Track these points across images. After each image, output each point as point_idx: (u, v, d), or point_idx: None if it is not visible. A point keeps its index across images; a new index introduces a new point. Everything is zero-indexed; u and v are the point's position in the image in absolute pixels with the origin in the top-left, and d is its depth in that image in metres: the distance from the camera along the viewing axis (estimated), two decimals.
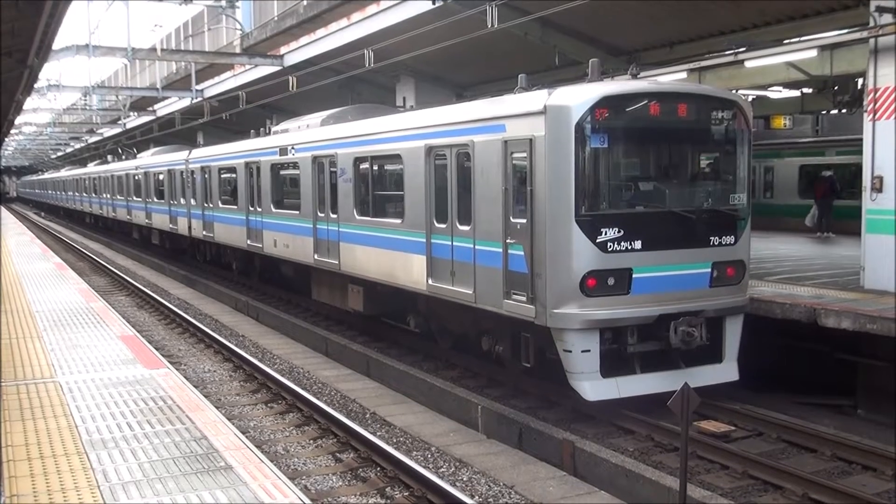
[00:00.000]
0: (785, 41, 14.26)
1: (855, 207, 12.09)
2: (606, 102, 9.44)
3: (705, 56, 15.11)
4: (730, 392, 10.53)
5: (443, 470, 8.79)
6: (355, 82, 21.81)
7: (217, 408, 8.42)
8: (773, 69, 15.89)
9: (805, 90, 20.06)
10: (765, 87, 19.56)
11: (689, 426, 6.95)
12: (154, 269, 29.03)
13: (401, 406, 11.40)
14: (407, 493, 8.02)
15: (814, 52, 14.31)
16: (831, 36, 13.86)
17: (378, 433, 9.91)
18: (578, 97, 9.42)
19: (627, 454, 8.92)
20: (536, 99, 9.78)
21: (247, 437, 8.06)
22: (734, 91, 14.40)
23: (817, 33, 14.13)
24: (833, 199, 20.90)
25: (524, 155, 9.76)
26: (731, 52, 13.55)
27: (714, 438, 9.27)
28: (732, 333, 10.33)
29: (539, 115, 9.55)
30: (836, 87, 18.28)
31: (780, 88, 20.12)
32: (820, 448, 9.04)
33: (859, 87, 17.68)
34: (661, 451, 9.19)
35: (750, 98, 21.00)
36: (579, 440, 9.07)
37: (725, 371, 10.29)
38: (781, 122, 20.87)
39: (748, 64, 15.17)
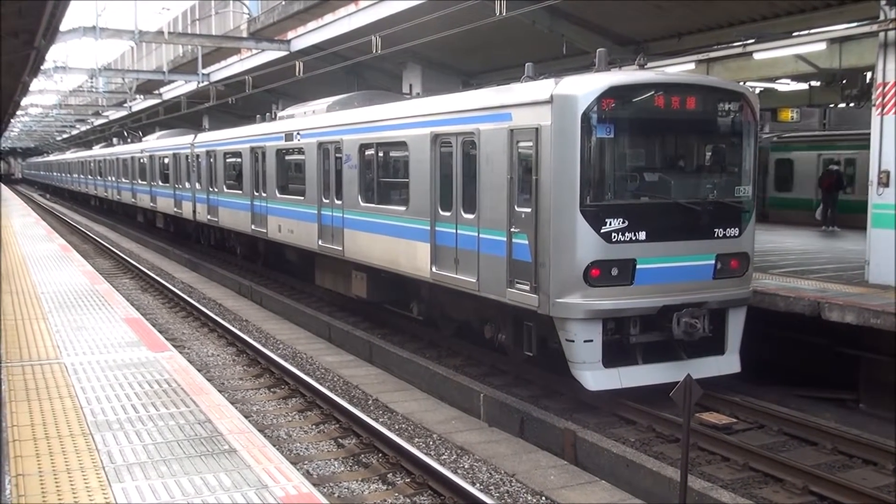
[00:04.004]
0: (794, 33, 14.21)
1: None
2: (613, 92, 9.41)
3: (714, 47, 15.06)
4: (732, 384, 10.55)
5: (444, 457, 8.83)
6: (362, 68, 21.74)
7: (220, 391, 8.45)
8: (781, 61, 15.85)
9: (813, 83, 20.00)
10: (773, 80, 19.50)
11: (691, 418, 6.97)
12: (159, 252, 29.07)
13: (403, 393, 11.43)
14: (408, 480, 8.05)
15: (823, 45, 14.29)
16: (841, 29, 13.81)
17: (380, 419, 9.95)
18: (585, 87, 9.39)
19: (629, 444, 8.95)
20: (543, 88, 9.74)
21: (250, 420, 8.12)
22: (742, 83, 14.35)
23: (827, 26, 14.07)
24: (839, 193, 20.84)
25: (530, 144, 9.74)
26: (740, 43, 13.50)
27: (715, 430, 9.30)
28: (735, 325, 10.34)
29: (545, 105, 9.53)
30: (844, 81, 18.22)
31: (789, 81, 20.06)
32: (821, 441, 9.07)
33: (868, 80, 17.63)
34: (663, 442, 9.22)
35: (757, 90, 20.93)
36: (581, 430, 9.09)
37: (728, 363, 10.30)
38: (789, 114, 20.82)
39: (757, 56, 15.14)
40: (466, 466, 8.58)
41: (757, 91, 20.79)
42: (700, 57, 14.67)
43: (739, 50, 13.98)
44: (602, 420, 9.84)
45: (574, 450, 8.88)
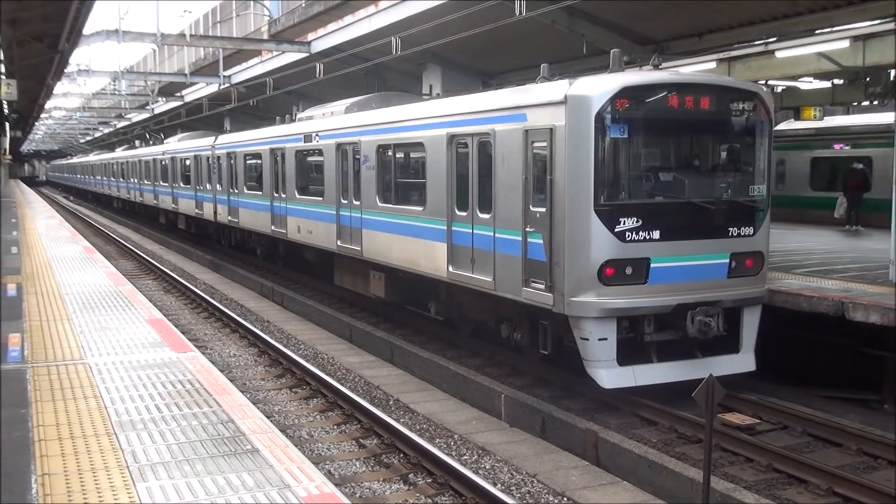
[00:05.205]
0: (816, 31, 14.06)
1: None
2: (627, 93, 9.45)
3: (735, 46, 14.92)
4: (754, 385, 10.47)
5: (465, 457, 8.83)
6: (382, 69, 21.76)
7: (242, 392, 8.48)
8: (803, 60, 15.68)
9: (836, 81, 19.75)
10: (795, 78, 19.30)
11: (714, 418, 6.93)
12: (181, 253, 29.26)
13: (424, 393, 11.44)
14: (430, 480, 8.06)
15: (846, 43, 14.11)
16: (864, 26, 13.61)
17: (401, 420, 9.97)
18: (599, 87, 9.43)
19: (651, 445, 8.91)
20: (557, 89, 9.79)
21: (272, 421, 8.13)
22: (764, 81, 14.19)
23: (849, 23, 13.90)
24: (864, 192, 20.56)
25: (544, 144, 9.79)
26: (762, 42, 13.36)
27: (738, 431, 9.24)
28: (750, 324, 10.33)
29: (560, 105, 9.58)
30: (867, 79, 17.97)
31: (811, 79, 19.84)
32: (845, 442, 8.99)
33: (892, 78, 17.39)
34: (685, 443, 9.17)
35: (779, 89, 20.71)
36: (602, 430, 9.07)
37: (743, 361, 10.29)
38: (811, 113, 20.62)
39: (779, 54, 14.99)
40: (488, 467, 8.57)
41: (779, 90, 20.60)
42: (721, 56, 14.54)
43: (761, 48, 13.85)
44: (624, 421, 9.80)
45: (596, 450, 8.86)
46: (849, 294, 10.61)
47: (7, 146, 49.52)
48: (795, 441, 9.15)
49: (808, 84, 20.64)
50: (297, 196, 18.38)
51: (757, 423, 9.50)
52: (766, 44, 13.47)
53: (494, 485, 7.82)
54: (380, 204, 14.28)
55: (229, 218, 23.99)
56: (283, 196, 19.21)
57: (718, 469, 8.23)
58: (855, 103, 22.65)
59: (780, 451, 8.59)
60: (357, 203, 15.12)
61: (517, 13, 13.27)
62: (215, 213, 25.53)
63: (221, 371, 9.40)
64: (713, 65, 14.90)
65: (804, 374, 11.21)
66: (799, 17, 13.72)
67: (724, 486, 7.48)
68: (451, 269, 11.91)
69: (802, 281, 11.86)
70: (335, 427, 9.84)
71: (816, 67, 16.27)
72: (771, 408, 9.91)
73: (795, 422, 9.56)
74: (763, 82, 16.94)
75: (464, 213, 11.63)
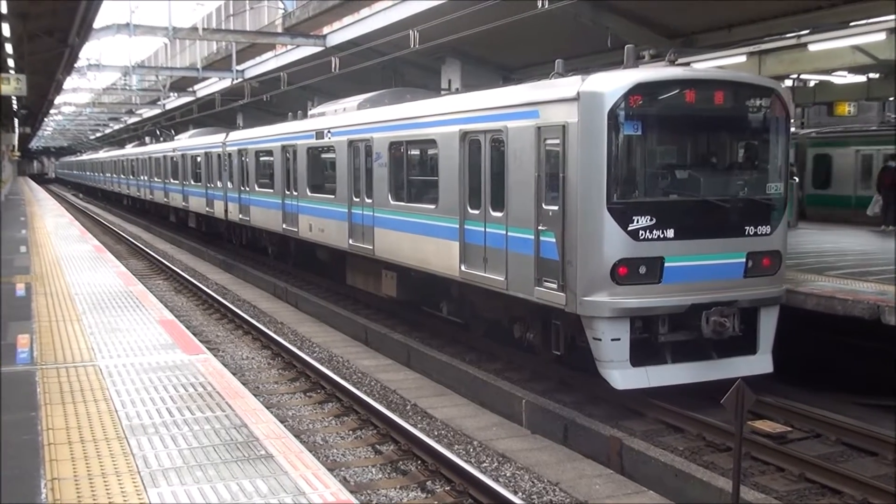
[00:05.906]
0: (851, 23, 13.72)
1: None
2: (640, 89, 9.33)
3: (766, 39, 14.56)
4: (785, 391, 10.24)
5: (485, 465, 8.60)
6: (399, 64, 21.49)
7: (256, 395, 8.29)
8: (837, 53, 15.37)
9: (872, 75, 19.36)
10: (828, 72, 18.94)
11: (744, 425, 6.70)
12: (192, 253, 29.10)
13: (442, 398, 11.19)
14: (448, 488, 7.83)
15: (882, 35, 13.79)
16: None
17: (419, 425, 9.73)
18: (612, 84, 9.31)
19: (677, 453, 8.69)
20: (570, 85, 9.68)
21: (286, 426, 7.95)
22: (796, 76, 13.83)
23: (885, 15, 13.55)
24: None
25: (557, 141, 9.67)
26: (794, 35, 13.03)
27: (769, 439, 8.97)
28: (767, 325, 10.14)
29: (572, 102, 9.47)
30: None
31: (845, 73, 19.47)
32: (881, 451, 8.73)
33: None
34: (713, 451, 8.94)
35: (812, 83, 20.33)
36: (627, 437, 8.84)
37: (759, 363, 10.10)
38: (845, 108, 20.22)
39: (811, 47, 14.67)
40: (508, 475, 8.34)
41: (811, 84, 20.20)
42: (751, 49, 14.21)
43: (793, 42, 13.53)
44: (649, 427, 9.58)
45: (620, 458, 8.64)
46: (884, 297, 10.30)
47: (16, 143, 49.61)
48: (829, 450, 8.89)
49: (841, 78, 20.23)
50: (309, 194, 18.18)
51: (788, 431, 9.25)
52: (799, 37, 13.15)
53: (515, 493, 7.62)
54: (392, 202, 14.10)
55: (240, 216, 23.82)
56: (295, 194, 19.01)
57: (748, 479, 8.00)
58: (891, 98, 22.23)
59: (812, 461, 8.33)
60: (369, 201, 14.93)
61: (539, 5, 13.00)
62: (226, 211, 25.37)
63: (234, 374, 9.22)
64: (743, 58, 14.55)
65: (837, 379, 10.92)
66: (833, 9, 13.36)
67: (754, 497, 7.27)
68: (463, 268, 11.77)
69: (836, 283, 11.56)
70: (351, 432, 9.61)
71: (851, 61, 15.93)
72: (803, 415, 9.65)
73: (828, 430, 9.30)
74: (795, 76, 16.57)
75: (476, 212, 11.50)
